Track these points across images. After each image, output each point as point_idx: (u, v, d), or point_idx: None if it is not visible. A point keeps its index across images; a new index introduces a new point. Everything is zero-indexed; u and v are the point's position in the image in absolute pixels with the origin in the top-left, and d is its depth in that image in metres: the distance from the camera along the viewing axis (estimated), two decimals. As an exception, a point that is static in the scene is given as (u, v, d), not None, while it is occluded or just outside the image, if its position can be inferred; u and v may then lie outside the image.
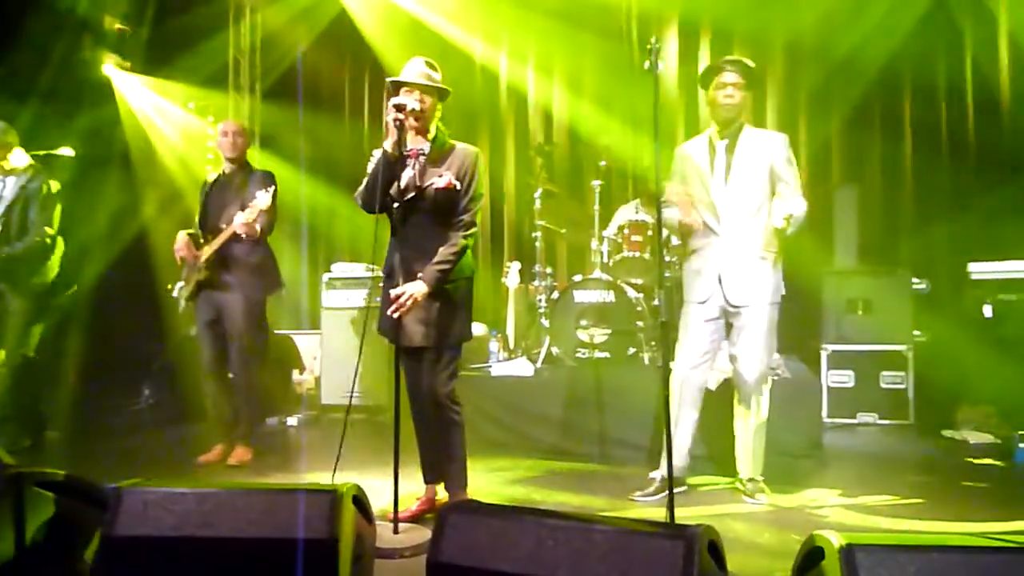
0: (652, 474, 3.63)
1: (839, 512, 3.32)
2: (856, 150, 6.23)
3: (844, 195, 5.71)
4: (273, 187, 4.09)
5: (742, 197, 3.39)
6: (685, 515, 3.14)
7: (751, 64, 3.49)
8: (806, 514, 3.29)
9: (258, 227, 4.08)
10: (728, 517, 3.25)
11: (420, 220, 3.08)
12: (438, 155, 3.12)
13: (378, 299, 3.30)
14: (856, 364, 5.29)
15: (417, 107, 3.03)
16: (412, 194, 3.07)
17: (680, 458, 3.51)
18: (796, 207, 3.32)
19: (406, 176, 3.08)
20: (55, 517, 2.27)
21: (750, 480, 3.50)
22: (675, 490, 3.46)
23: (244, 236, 4.05)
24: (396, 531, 2.92)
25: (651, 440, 4.15)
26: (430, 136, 3.15)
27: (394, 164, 3.00)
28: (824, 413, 5.00)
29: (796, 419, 4.23)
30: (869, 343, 5.28)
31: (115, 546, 2.06)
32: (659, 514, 3.01)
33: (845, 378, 5.29)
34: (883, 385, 5.22)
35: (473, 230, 3.12)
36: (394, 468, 2.97)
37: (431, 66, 3.15)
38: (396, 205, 3.05)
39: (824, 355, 5.34)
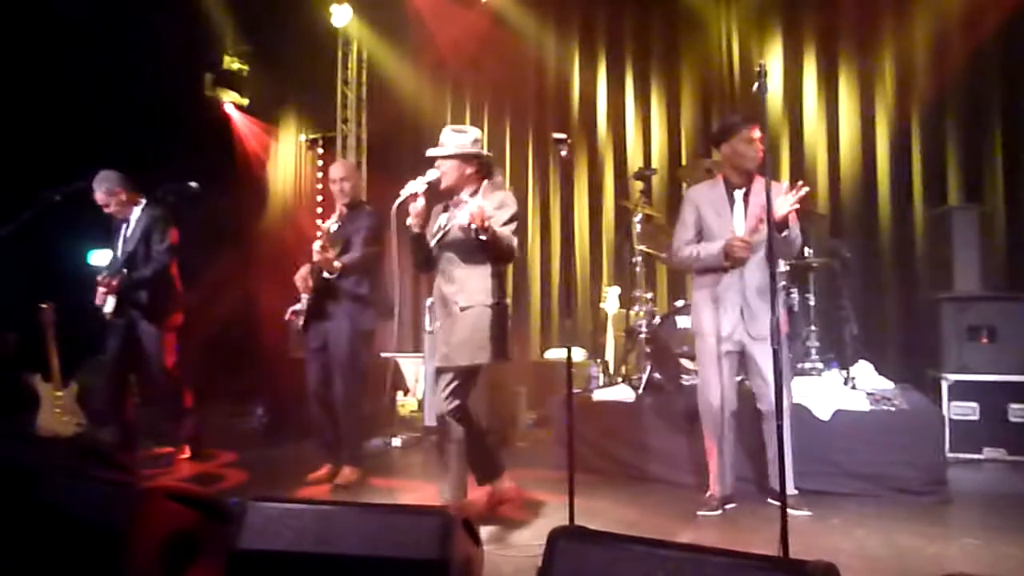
0: (709, 492, 3.83)
1: (967, 556, 3.12)
2: (975, 167, 5.90)
3: (963, 216, 5.38)
4: (374, 218, 4.33)
5: (756, 240, 3.68)
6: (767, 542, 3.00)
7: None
8: (929, 556, 3.10)
9: (337, 264, 4.18)
10: (843, 554, 3.09)
11: (451, 255, 3.50)
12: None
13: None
14: (981, 396, 4.95)
15: (422, 188, 3.34)
16: (442, 233, 3.50)
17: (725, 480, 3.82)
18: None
19: (441, 220, 3.49)
20: (183, 529, 2.41)
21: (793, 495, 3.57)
22: (728, 506, 3.76)
23: (323, 269, 4.18)
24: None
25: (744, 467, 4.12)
26: (472, 190, 3.47)
27: (420, 239, 3.48)
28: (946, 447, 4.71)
29: (917, 453, 4.02)
30: (994, 373, 4.95)
31: (239, 559, 2.17)
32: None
33: (968, 410, 4.96)
34: (1012, 419, 4.87)
35: (514, 226, 3.41)
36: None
37: (459, 131, 3.46)
38: (434, 244, 3.46)
39: (945, 385, 5.04)
